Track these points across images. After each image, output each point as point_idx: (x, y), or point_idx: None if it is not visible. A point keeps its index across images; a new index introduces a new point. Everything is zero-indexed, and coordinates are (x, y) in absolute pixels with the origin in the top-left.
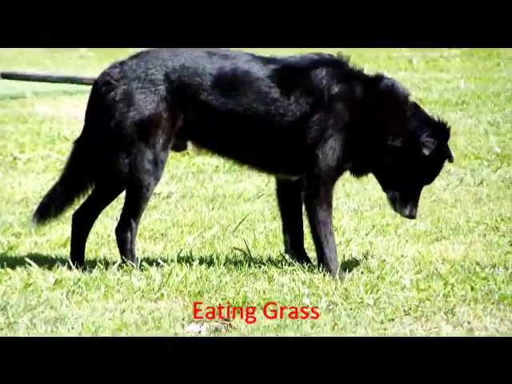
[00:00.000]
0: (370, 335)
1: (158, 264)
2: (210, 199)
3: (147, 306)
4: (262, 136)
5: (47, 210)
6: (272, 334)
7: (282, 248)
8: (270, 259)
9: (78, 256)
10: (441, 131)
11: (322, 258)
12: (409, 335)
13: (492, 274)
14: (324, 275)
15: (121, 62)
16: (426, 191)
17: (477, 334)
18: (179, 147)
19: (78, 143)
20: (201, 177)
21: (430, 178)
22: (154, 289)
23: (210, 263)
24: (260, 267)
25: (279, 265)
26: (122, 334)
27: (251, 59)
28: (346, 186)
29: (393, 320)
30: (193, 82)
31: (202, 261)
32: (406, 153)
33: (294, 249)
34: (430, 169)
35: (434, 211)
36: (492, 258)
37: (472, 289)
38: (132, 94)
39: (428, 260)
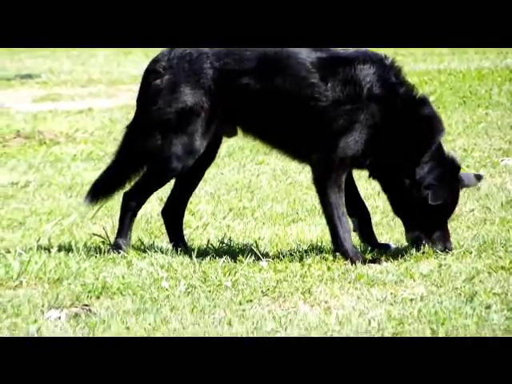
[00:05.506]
0: (229, 316)
1: (16, 252)
2: (68, 187)
3: (6, 294)
4: (294, 119)
5: (99, 192)
6: (132, 319)
7: (141, 233)
8: (128, 244)
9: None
10: (451, 171)
11: (336, 240)
12: (266, 316)
13: None
14: (183, 258)
15: (170, 49)
16: (281, 174)
17: (334, 312)
18: (229, 133)
19: (130, 127)
20: (59, 165)
21: (447, 212)
22: (12, 277)
23: (69, 250)
24: (119, 253)
25: (138, 250)
26: None
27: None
28: None
29: (251, 301)
30: (237, 68)
31: (60, 248)
32: (416, 189)
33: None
34: (442, 206)
35: (290, 193)
36: None
37: (328, 269)
38: (176, 84)
39: (285, 242)
